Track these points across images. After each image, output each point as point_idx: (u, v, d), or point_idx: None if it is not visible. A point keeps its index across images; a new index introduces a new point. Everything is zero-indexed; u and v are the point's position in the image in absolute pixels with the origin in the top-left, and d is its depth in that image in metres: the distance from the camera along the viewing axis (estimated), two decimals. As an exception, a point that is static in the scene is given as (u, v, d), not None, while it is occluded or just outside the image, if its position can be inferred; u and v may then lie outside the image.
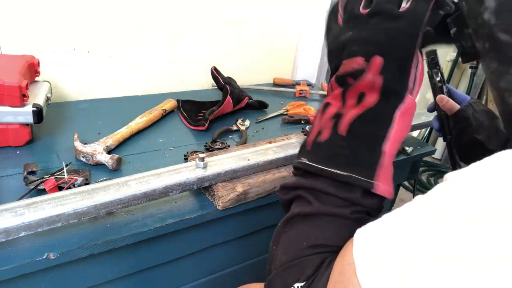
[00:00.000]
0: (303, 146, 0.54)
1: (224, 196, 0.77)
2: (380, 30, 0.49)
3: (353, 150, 0.48)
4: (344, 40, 0.52)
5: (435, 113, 0.95)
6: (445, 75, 2.69)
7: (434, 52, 0.86)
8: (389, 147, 0.48)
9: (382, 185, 0.47)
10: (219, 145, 1.02)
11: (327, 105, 0.53)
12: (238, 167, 0.81)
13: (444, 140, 0.94)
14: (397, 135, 0.49)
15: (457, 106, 0.87)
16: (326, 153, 0.50)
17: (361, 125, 0.49)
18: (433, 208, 0.36)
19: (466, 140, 0.86)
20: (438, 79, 0.88)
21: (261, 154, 0.87)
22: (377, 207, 0.49)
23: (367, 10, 0.51)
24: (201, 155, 0.79)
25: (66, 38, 1.16)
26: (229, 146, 1.02)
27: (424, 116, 1.19)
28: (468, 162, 0.85)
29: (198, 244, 0.85)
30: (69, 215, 0.63)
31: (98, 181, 0.82)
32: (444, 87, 0.89)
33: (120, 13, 1.22)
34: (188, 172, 0.76)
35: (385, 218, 0.40)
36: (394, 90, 0.49)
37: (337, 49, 0.53)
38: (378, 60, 0.48)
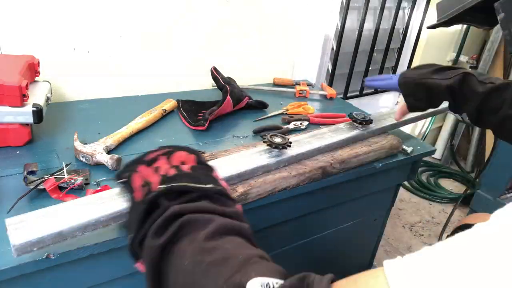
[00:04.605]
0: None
1: (224, 196, 0.77)
2: None
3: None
4: None
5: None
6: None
7: None
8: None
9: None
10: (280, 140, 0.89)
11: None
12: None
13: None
14: None
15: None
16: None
17: None
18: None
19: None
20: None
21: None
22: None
23: None
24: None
25: (66, 38, 1.16)
26: (290, 142, 0.90)
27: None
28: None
29: (198, 244, 0.85)
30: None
31: (98, 181, 0.82)
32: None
33: (120, 13, 1.22)
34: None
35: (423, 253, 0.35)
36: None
37: None
38: None
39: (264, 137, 0.88)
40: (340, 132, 1.02)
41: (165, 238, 0.45)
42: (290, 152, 0.89)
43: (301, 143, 0.94)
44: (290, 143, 0.88)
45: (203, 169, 0.58)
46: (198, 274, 0.41)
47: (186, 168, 0.57)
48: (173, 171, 0.55)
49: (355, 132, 1.03)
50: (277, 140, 0.87)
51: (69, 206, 0.64)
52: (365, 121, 1.05)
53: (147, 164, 0.59)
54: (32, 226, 0.59)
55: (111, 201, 0.66)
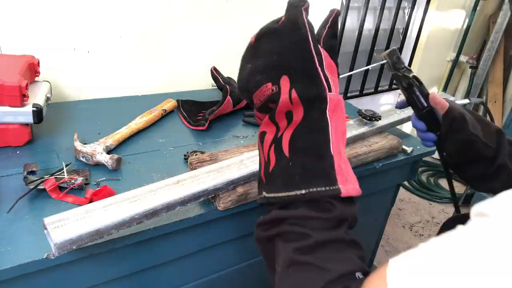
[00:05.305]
0: (259, 183, 0.54)
1: (225, 196, 0.77)
2: (270, 51, 0.52)
3: (304, 165, 0.48)
4: (246, 74, 0.54)
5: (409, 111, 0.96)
6: (445, 75, 2.70)
7: (395, 51, 0.79)
8: (335, 146, 0.50)
9: (347, 186, 0.48)
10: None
11: (263, 134, 0.54)
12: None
13: (434, 143, 0.86)
14: (337, 131, 0.51)
15: (447, 104, 0.77)
16: (280, 179, 0.49)
17: (301, 139, 0.49)
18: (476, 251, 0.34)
19: (462, 138, 0.77)
20: (411, 75, 0.79)
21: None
22: (355, 215, 0.49)
23: (253, 38, 0.55)
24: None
25: (66, 38, 1.16)
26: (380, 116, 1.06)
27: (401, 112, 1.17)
28: (459, 166, 0.84)
29: (198, 244, 0.85)
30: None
31: (98, 181, 0.82)
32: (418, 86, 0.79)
33: (120, 13, 1.22)
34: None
35: (422, 250, 0.37)
36: (313, 96, 0.50)
37: (245, 85, 0.55)
38: (284, 79, 0.51)
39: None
40: (351, 128, 1.05)
41: (267, 235, 0.49)
42: None
43: None
44: (380, 117, 1.05)
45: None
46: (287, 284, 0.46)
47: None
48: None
49: (365, 128, 1.06)
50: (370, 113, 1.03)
51: (104, 204, 0.65)
52: (375, 118, 1.07)
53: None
54: (71, 225, 0.60)
55: (144, 199, 0.67)
